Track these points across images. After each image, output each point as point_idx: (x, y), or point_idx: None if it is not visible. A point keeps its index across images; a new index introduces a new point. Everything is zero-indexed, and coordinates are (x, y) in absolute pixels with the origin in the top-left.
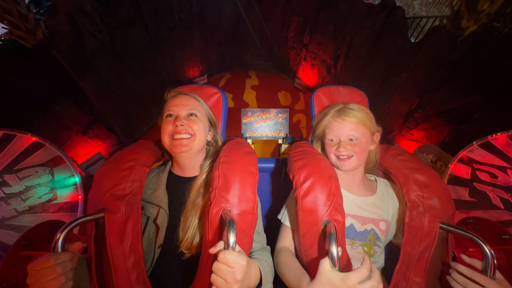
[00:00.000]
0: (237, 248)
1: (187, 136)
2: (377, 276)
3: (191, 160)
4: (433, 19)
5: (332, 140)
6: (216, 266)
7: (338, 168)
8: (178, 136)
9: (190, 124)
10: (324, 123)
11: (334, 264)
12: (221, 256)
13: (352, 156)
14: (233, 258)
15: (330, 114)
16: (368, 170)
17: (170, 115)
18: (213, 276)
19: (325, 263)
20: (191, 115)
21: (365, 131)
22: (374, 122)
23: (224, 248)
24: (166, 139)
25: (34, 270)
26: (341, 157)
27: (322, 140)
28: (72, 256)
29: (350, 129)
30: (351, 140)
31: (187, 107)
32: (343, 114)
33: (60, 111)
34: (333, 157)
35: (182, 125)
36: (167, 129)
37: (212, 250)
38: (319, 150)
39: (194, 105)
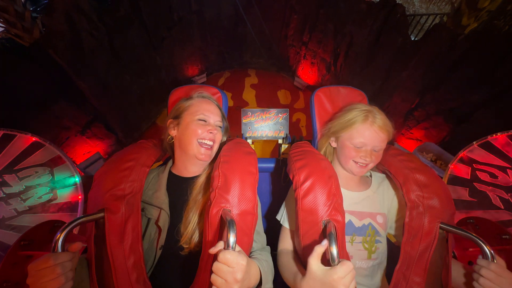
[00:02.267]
0: (237, 248)
1: (211, 143)
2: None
3: (201, 164)
4: (434, 17)
5: (357, 146)
6: (216, 266)
7: (350, 171)
8: (204, 142)
9: (217, 134)
10: (355, 126)
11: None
12: (221, 256)
13: (367, 165)
14: (233, 258)
15: (361, 117)
16: None
17: (204, 120)
18: (213, 276)
19: (313, 262)
20: (218, 126)
21: (386, 142)
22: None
23: (224, 248)
24: (193, 142)
25: (34, 270)
26: (360, 163)
27: (338, 138)
28: (72, 256)
29: (380, 141)
30: (375, 151)
31: (218, 118)
32: (376, 123)
33: (58, 111)
34: (350, 161)
35: (216, 133)
36: (196, 132)
37: (212, 250)
38: (326, 144)
39: (221, 117)
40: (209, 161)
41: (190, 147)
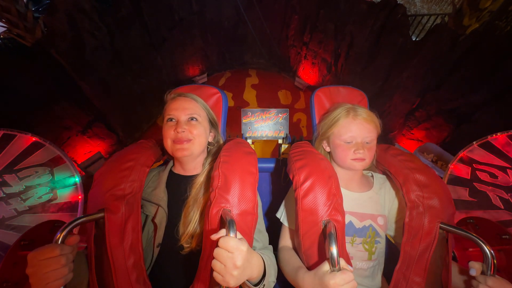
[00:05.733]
0: (239, 236)
1: (186, 141)
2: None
3: (193, 161)
4: (435, 17)
5: (348, 142)
6: (216, 251)
7: (349, 168)
8: (179, 143)
9: (191, 129)
10: (340, 122)
11: (334, 264)
12: (221, 241)
13: (365, 159)
14: (233, 244)
15: (343, 113)
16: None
17: (171, 119)
18: (213, 261)
19: (326, 264)
20: (192, 119)
21: (375, 134)
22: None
23: (226, 235)
24: (168, 143)
25: (36, 259)
26: (357, 159)
27: (328, 140)
28: (73, 249)
29: (368, 131)
30: (367, 143)
31: (187, 111)
32: (359, 115)
33: (59, 111)
34: (347, 161)
35: (183, 131)
36: (168, 134)
37: (214, 237)
38: (320, 149)
39: (194, 109)
40: (191, 154)
41: (168, 148)
